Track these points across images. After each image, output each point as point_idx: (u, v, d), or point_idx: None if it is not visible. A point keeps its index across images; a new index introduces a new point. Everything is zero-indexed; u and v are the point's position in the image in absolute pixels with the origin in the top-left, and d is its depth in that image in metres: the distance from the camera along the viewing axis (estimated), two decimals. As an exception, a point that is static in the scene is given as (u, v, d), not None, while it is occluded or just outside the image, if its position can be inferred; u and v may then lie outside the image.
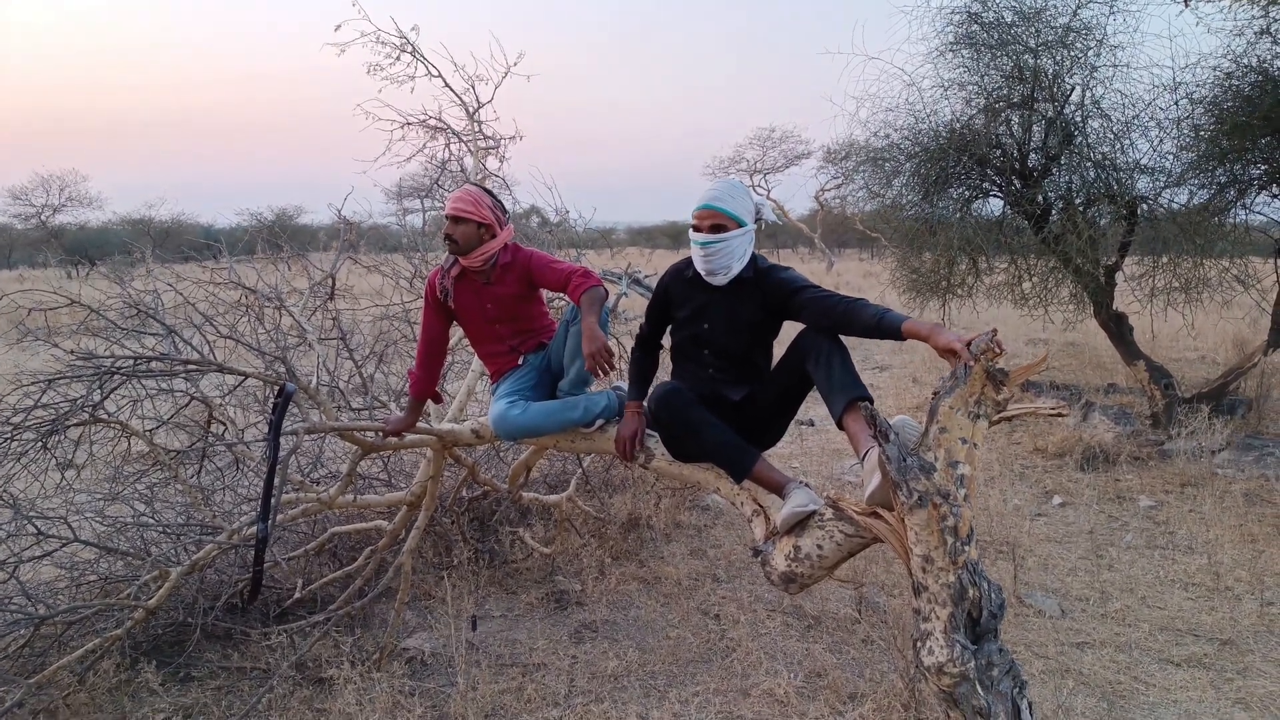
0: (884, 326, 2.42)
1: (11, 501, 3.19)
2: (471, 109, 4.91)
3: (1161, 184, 6.36)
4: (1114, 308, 6.75)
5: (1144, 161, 6.30)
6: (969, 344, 2.11)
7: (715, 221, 2.70)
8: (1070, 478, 5.62)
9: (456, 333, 3.99)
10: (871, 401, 2.38)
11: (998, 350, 2.04)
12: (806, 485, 2.53)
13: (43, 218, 33.00)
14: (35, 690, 2.89)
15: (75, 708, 3.01)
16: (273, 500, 2.73)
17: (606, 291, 2.95)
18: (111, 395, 3.22)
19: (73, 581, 3.45)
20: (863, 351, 10.81)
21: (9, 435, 3.08)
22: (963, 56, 6.58)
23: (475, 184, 3.46)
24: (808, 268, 29.74)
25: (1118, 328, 6.72)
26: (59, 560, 3.45)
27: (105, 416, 3.18)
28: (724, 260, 2.71)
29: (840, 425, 2.47)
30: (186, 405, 3.62)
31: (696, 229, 2.74)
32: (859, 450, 2.37)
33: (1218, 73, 6.13)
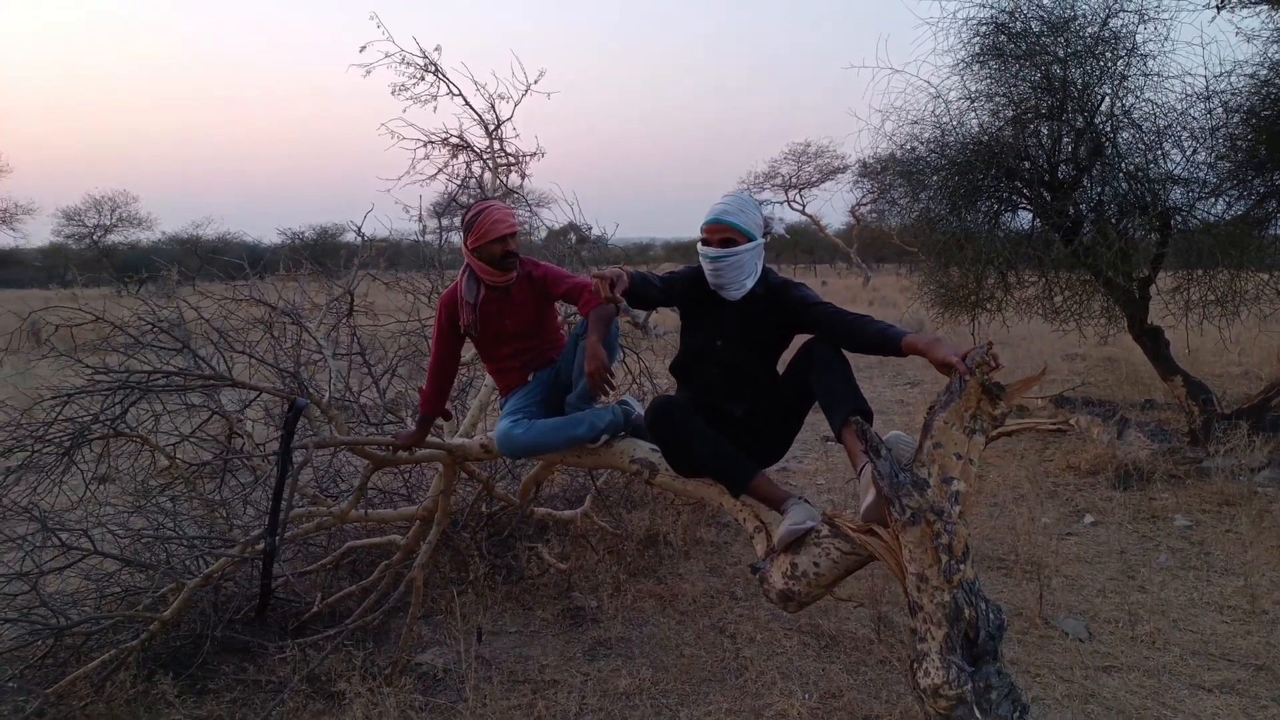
0: (886, 341, 2.40)
1: (39, 514, 3.27)
2: (491, 127, 4.97)
3: (1196, 195, 6.19)
4: (1149, 322, 6.57)
5: (1177, 172, 6.13)
6: (964, 357, 2.07)
7: (725, 235, 2.69)
8: (1103, 496, 5.47)
9: (471, 347, 4.02)
10: (870, 415, 2.34)
11: (993, 364, 2.00)
12: (805, 501, 2.50)
13: (95, 238, 34.16)
14: (54, 700, 2.95)
15: (93, 718, 3.05)
16: (281, 514, 2.76)
17: (617, 309, 2.93)
18: (134, 410, 3.29)
19: (95, 593, 3.51)
20: (895, 367, 10.69)
21: (33, 448, 3.17)
22: (990, 68, 6.49)
23: (492, 198, 3.50)
24: (844, 283, 29.52)
25: (1154, 342, 6.54)
26: (80, 572, 3.52)
27: (126, 430, 3.25)
28: (734, 274, 2.71)
29: (839, 439, 2.44)
30: (208, 420, 3.69)
31: (706, 243, 2.73)
32: (856, 465, 2.34)
33: (1254, 80, 5.96)
